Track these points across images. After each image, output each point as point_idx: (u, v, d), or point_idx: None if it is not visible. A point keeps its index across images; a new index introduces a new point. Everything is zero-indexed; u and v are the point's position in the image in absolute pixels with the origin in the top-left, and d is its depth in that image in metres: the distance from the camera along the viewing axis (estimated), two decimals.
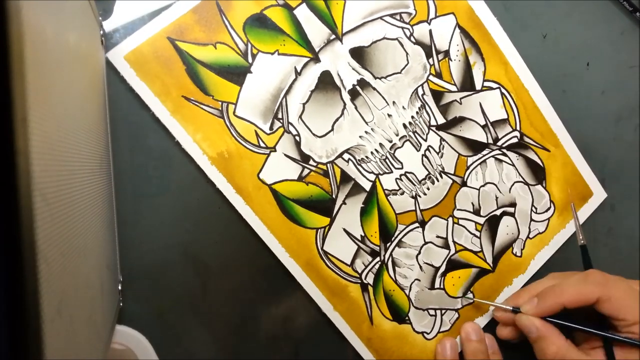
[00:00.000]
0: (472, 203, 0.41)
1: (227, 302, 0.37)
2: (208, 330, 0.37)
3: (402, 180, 0.39)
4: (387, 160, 0.39)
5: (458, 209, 0.41)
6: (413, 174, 0.40)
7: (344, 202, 0.38)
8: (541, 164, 0.42)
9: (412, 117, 0.39)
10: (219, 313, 0.37)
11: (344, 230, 0.38)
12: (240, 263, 0.37)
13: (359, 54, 0.38)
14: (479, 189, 0.41)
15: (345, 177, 0.38)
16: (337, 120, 0.38)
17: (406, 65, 0.39)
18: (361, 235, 0.39)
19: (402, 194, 0.39)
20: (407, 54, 0.39)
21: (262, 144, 0.36)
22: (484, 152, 0.41)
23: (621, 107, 0.44)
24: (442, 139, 0.40)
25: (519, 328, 0.38)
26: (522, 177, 0.42)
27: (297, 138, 0.37)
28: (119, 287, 0.35)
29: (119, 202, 0.35)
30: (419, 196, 0.40)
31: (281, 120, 0.37)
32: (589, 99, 0.44)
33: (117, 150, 0.35)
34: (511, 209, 0.42)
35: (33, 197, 0.14)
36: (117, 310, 0.34)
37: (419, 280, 0.40)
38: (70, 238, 0.20)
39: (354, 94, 0.38)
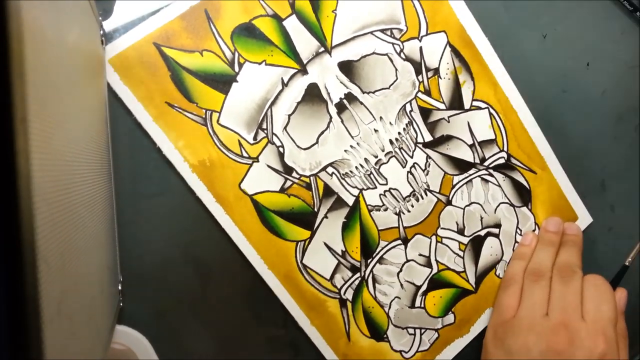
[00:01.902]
0: (457, 222, 0.41)
1: (227, 302, 0.37)
2: (208, 331, 0.37)
3: (386, 197, 0.39)
4: (371, 175, 0.39)
5: (442, 228, 0.40)
6: (397, 190, 0.39)
7: (325, 216, 0.38)
8: (527, 186, 0.42)
9: (399, 133, 0.39)
10: (219, 313, 0.37)
11: (325, 244, 0.38)
12: (240, 263, 0.37)
13: (347, 68, 0.38)
14: (464, 209, 0.41)
15: (328, 191, 0.38)
16: (322, 133, 0.37)
17: (395, 81, 0.39)
18: (342, 250, 0.38)
19: (385, 210, 0.39)
20: (396, 69, 0.39)
21: (245, 154, 0.36)
22: (471, 172, 0.41)
23: (621, 107, 0.44)
24: (428, 157, 0.40)
25: None
26: (508, 198, 0.42)
27: (281, 149, 0.37)
28: (119, 287, 0.35)
29: (119, 202, 0.35)
30: (403, 213, 0.39)
31: (265, 131, 0.36)
32: (589, 99, 0.43)
33: (117, 150, 0.35)
34: (496, 230, 0.42)
35: (33, 197, 0.14)
36: (117, 310, 0.34)
37: (399, 298, 0.40)
38: (70, 238, 0.20)
39: (340, 108, 0.37)
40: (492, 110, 0.41)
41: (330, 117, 0.37)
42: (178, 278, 0.36)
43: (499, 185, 0.41)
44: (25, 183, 0.13)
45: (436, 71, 0.39)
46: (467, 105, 0.40)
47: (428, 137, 0.40)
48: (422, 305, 0.40)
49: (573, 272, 0.38)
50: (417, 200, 0.40)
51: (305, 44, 0.37)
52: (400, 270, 0.40)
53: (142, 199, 0.35)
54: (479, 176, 0.41)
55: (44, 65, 0.17)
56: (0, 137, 0.12)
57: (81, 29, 0.26)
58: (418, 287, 0.40)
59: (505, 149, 0.41)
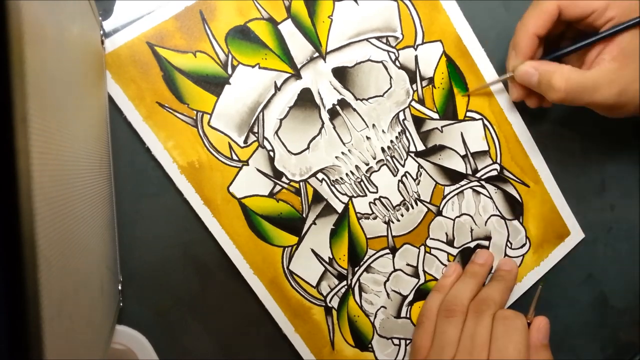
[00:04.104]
0: (446, 233, 0.40)
1: (227, 302, 0.37)
2: (208, 330, 0.37)
3: (375, 205, 0.39)
4: (362, 183, 0.38)
5: (431, 238, 0.40)
6: (388, 199, 0.39)
7: (314, 222, 0.37)
8: (519, 199, 0.42)
9: (392, 141, 0.39)
10: (219, 313, 0.37)
11: (312, 250, 0.38)
12: (236, 268, 0.37)
13: (341, 74, 0.37)
14: (454, 220, 0.40)
15: (318, 197, 0.37)
16: (314, 138, 0.37)
17: (389, 89, 0.38)
18: (329, 258, 0.38)
19: (374, 218, 0.39)
20: (390, 77, 0.38)
21: (234, 157, 0.36)
22: (462, 183, 0.40)
23: None
24: (420, 166, 0.39)
25: (529, 91, 0.37)
26: (499, 210, 0.41)
27: (272, 153, 0.36)
28: (119, 287, 0.35)
29: (119, 202, 0.35)
30: (392, 222, 0.39)
31: (256, 135, 0.36)
32: None
33: (117, 150, 0.34)
34: (486, 242, 0.41)
35: (33, 197, 0.14)
36: (117, 310, 0.34)
37: (385, 307, 0.39)
38: (70, 238, 0.20)
39: (333, 114, 0.37)
40: (486, 122, 0.40)
41: (323, 123, 0.37)
42: (178, 278, 0.36)
43: (491, 198, 0.41)
44: (25, 183, 0.13)
45: (431, 80, 0.39)
46: (461, 116, 0.40)
47: (420, 147, 0.39)
48: (408, 316, 0.40)
49: (487, 307, 0.35)
50: (407, 209, 0.39)
51: (299, 48, 0.36)
52: (387, 279, 0.39)
53: (142, 199, 0.35)
54: (470, 187, 0.41)
55: (44, 65, 0.17)
56: (0, 137, 0.12)
57: (81, 28, 0.26)
58: (404, 297, 0.40)
59: (498, 161, 0.41)
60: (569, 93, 0.34)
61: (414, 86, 0.39)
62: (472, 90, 0.39)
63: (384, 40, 0.38)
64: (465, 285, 0.38)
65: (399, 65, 0.38)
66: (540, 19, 0.34)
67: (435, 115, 0.39)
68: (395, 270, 0.39)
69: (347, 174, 0.38)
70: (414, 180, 0.39)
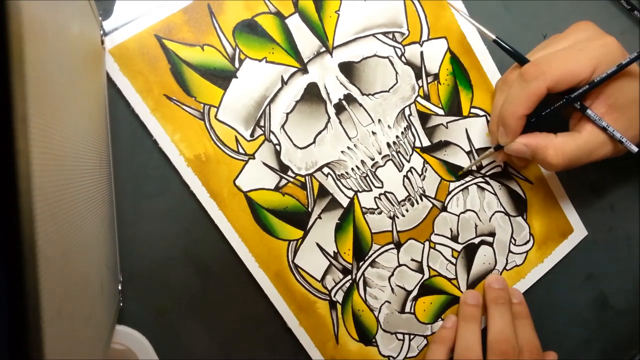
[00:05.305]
0: (451, 229, 0.41)
1: (227, 302, 0.37)
2: (208, 330, 0.37)
3: (381, 200, 0.39)
4: (367, 178, 0.38)
5: (436, 234, 0.40)
6: (393, 194, 0.39)
7: (319, 217, 0.38)
8: (523, 195, 0.42)
9: (397, 136, 0.39)
10: (219, 313, 0.37)
11: (317, 244, 0.38)
12: (240, 263, 0.37)
13: (348, 69, 0.37)
14: (458, 216, 0.41)
15: (323, 192, 0.38)
16: (320, 133, 0.37)
17: (395, 85, 0.39)
18: (334, 252, 0.38)
19: (379, 213, 0.39)
20: (396, 73, 0.39)
21: (241, 150, 0.36)
22: (467, 179, 0.41)
23: None
24: (425, 162, 0.40)
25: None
26: (503, 207, 0.42)
27: (278, 147, 0.36)
28: (119, 287, 0.35)
29: (119, 202, 0.35)
30: (397, 217, 0.39)
31: (263, 128, 0.36)
32: None
33: (117, 150, 0.34)
34: (490, 239, 0.41)
35: (33, 197, 0.14)
36: (117, 310, 0.34)
37: (390, 302, 0.40)
38: (70, 238, 0.20)
39: (339, 109, 0.37)
40: (489, 118, 0.41)
41: (329, 118, 0.37)
42: (178, 278, 0.36)
43: (495, 194, 0.41)
44: (25, 183, 0.13)
45: (436, 77, 0.39)
46: (465, 112, 0.40)
47: (426, 142, 0.40)
48: (412, 311, 0.40)
49: (542, 354, 0.38)
50: (412, 205, 0.40)
51: (306, 43, 0.37)
52: (392, 274, 0.39)
53: (142, 199, 0.35)
54: (475, 184, 0.41)
55: (44, 65, 0.17)
56: (0, 137, 0.12)
57: (81, 28, 0.26)
58: (409, 292, 0.40)
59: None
60: (566, 165, 0.34)
61: (420, 82, 0.39)
62: (464, 170, 0.40)
63: (390, 36, 0.38)
64: (471, 332, 0.38)
65: (404, 61, 0.39)
66: (530, 101, 0.33)
67: (441, 111, 0.40)
68: (399, 265, 0.39)
69: (352, 169, 0.38)
70: (419, 175, 0.40)
